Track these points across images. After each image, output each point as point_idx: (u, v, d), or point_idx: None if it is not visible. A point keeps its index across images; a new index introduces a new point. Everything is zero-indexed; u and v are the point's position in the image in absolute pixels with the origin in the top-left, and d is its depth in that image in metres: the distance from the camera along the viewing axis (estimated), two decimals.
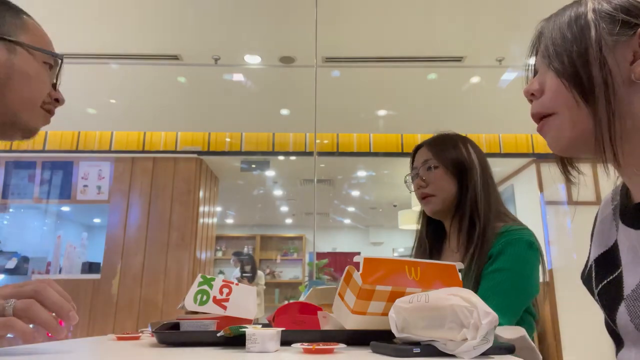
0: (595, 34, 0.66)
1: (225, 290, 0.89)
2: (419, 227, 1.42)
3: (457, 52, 3.53)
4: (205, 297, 0.88)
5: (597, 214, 0.82)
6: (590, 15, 0.68)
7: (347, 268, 0.75)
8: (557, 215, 4.65)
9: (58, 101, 0.94)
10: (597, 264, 0.76)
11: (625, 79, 0.65)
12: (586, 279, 0.79)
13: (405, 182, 1.39)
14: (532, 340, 0.97)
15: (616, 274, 0.71)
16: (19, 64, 0.85)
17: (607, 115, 0.64)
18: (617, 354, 0.73)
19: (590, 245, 0.81)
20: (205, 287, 0.89)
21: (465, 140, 1.35)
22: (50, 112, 0.93)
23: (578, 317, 4.09)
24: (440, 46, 3.46)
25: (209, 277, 0.90)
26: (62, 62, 0.92)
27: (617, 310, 0.68)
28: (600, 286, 0.73)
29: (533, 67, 0.79)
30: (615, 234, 0.74)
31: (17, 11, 0.91)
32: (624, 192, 0.75)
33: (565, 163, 0.76)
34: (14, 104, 0.85)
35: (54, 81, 0.93)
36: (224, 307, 0.87)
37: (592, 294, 0.76)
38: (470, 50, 3.49)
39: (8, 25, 0.87)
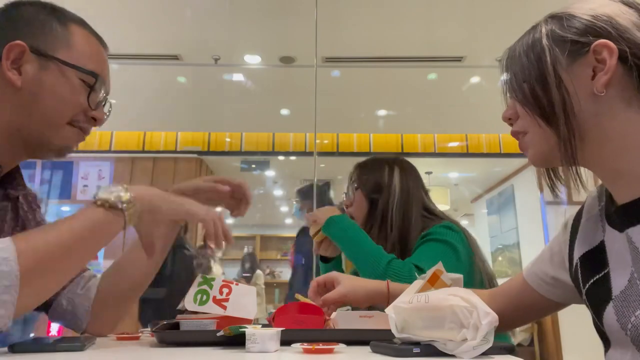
0: (550, 58, 0.70)
1: (225, 290, 0.89)
2: None
3: (457, 52, 3.53)
4: (205, 297, 0.88)
5: (581, 211, 0.83)
6: (545, 41, 0.72)
7: (434, 270, 0.76)
8: (557, 215, 4.65)
9: (96, 120, 0.90)
10: (582, 263, 0.77)
11: (589, 94, 0.69)
12: (574, 277, 0.80)
13: (343, 198, 1.59)
14: None
15: (602, 273, 0.72)
16: (49, 81, 0.82)
17: (567, 133, 0.69)
18: (605, 354, 0.74)
19: (574, 242, 0.81)
20: (205, 287, 0.89)
21: (394, 164, 1.49)
22: (84, 131, 0.89)
23: (578, 317, 4.09)
24: (440, 46, 3.46)
25: (209, 277, 0.90)
26: (96, 80, 0.87)
27: (605, 310, 0.69)
28: (587, 285, 0.75)
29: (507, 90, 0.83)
30: (601, 235, 0.75)
31: (66, 21, 0.87)
32: (609, 194, 0.76)
33: (552, 177, 0.80)
34: (38, 122, 0.82)
35: (98, 98, 0.89)
36: (224, 307, 0.87)
37: (580, 293, 0.78)
38: (470, 50, 3.49)
39: (49, 37, 0.83)
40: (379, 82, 3.98)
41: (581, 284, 0.76)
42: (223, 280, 0.90)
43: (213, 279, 0.90)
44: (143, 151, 4.80)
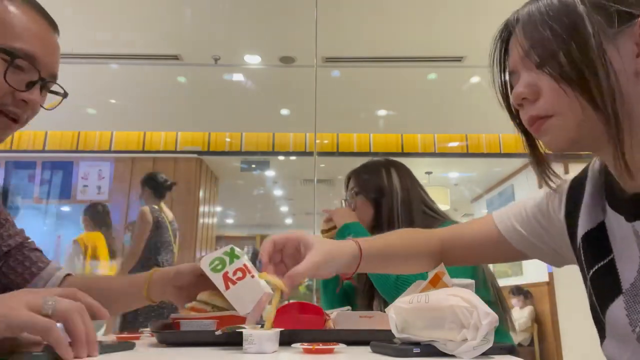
0: (591, 26, 0.59)
1: (239, 275, 0.82)
2: None
3: (457, 52, 3.53)
4: (220, 267, 0.83)
5: (583, 180, 0.76)
6: (581, 7, 0.61)
7: (436, 271, 0.76)
8: None
9: (27, 103, 0.79)
10: (585, 243, 0.72)
11: (630, 74, 0.60)
12: (577, 257, 0.75)
13: (341, 205, 1.59)
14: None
15: (607, 260, 0.68)
16: None
17: (615, 116, 0.59)
18: (601, 345, 0.71)
19: (577, 214, 0.74)
20: (227, 259, 0.84)
21: (390, 165, 1.50)
22: (16, 117, 0.79)
23: (578, 317, 4.09)
24: (440, 46, 3.46)
25: (237, 252, 0.84)
26: (13, 57, 0.75)
27: (612, 302, 0.66)
28: (591, 271, 0.70)
29: (503, 63, 0.74)
30: (602, 215, 0.70)
31: None
32: (608, 171, 0.70)
33: (546, 170, 0.73)
34: None
35: (30, 78, 0.78)
36: (227, 287, 0.82)
37: (583, 274, 0.73)
38: (470, 50, 3.48)
39: None
40: (379, 82, 3.98)
41: (585, 269, 0.72)
42: (244, 265, 0.83)
43: (238, 257, 0.84)
44: (143, 151, 4.80)
